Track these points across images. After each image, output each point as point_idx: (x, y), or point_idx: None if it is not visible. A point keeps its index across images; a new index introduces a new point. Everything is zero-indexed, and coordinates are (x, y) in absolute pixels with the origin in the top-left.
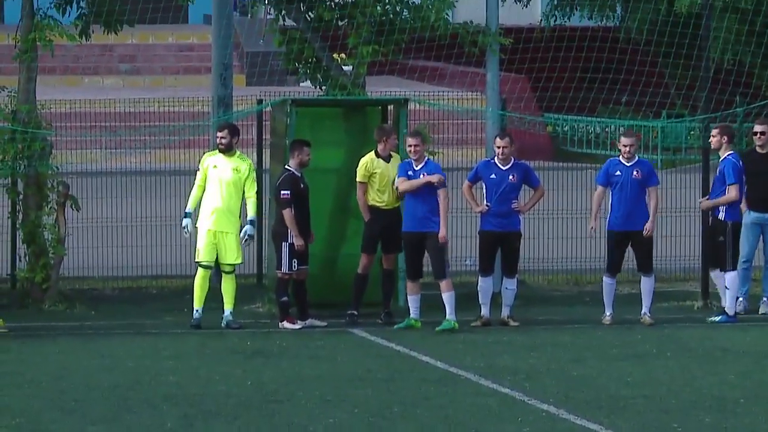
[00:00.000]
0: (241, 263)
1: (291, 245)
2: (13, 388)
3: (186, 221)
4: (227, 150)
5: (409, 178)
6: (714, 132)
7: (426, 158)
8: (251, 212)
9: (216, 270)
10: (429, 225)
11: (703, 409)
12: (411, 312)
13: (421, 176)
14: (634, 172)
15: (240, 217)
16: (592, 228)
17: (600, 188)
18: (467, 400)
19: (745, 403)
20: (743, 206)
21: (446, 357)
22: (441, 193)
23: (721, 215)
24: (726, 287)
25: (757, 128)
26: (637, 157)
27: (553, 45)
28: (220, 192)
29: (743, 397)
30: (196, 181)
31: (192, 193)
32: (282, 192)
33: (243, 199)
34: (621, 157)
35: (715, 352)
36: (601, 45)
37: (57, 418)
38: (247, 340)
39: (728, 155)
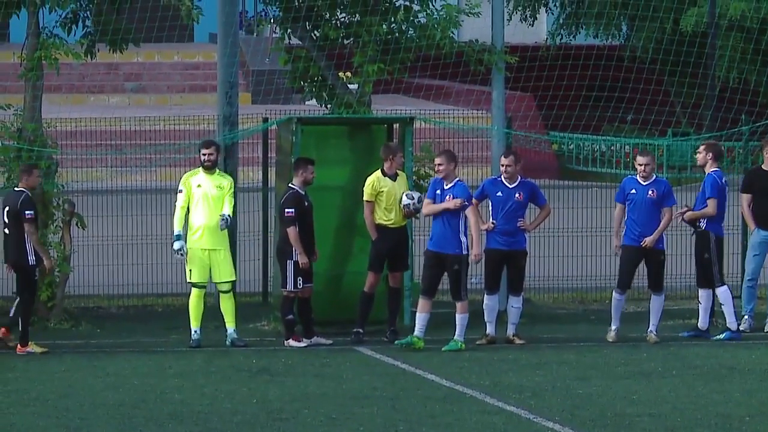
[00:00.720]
0: (235, 280)
1: (296, 263)
2: (19, 406)
3: (179, 243)
4: (213, 167)
5: (436, 197)
6: (700, 149)
7: (456, 179)
8: (228, 210)
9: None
10: (446, 247)
11: (708, 427)
12: (416, 329)
13: (447, 198)
14: (650, 192)
15: (226, 233)
16: (616, 247)
17: (619, 206)
18: (473, 418)
19: (750, 421)
20: (751, 225)
21: (452, 375)
22: (468, 213)
23: (703, 225)
24: (722, 304)
25: None
26: (654, 176)
27: (559, 63)
28: (208, 210)
29: (748, 414)
30: (178, 203)
31: (176, 215)
32: (286, 210)
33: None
34: (638, 175)
35: (721, 370)
36: (607, 63)
37: None
38: (252, 358)
39: (712, 171)
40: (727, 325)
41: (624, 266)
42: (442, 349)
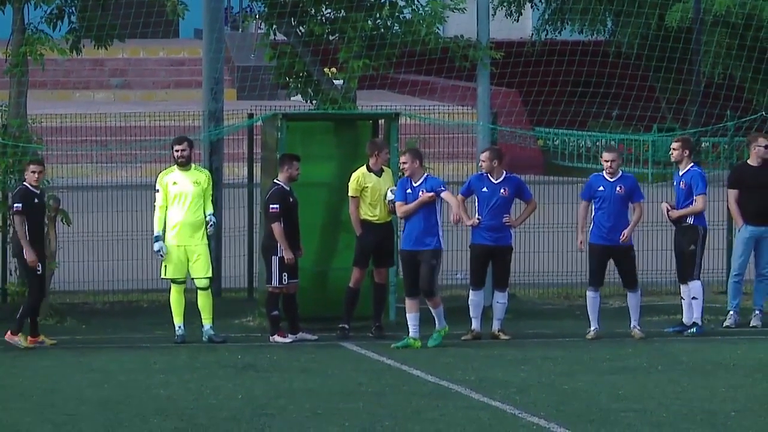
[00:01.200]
0: (212, 276)
1: (281, 259)
2: (4, 402)
3: (159, 245)
4: (187, 163)
5: (407, 195)
6: (675, 145)
7: (425, 174)
8: (209, 209)
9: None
10: (424, 244)
11: (694, 422)
12: (410, 331)
13: (420, 193)
14: (618, 188)
15: (204, 229)
16: (580, 242)
17: (584, 203)
18: (458, 414)
19: (736, 417)
20: (739, 221)
21: (437, 371)
22: (445, 197)
23: (690, 220)
24: (694, 297)
25: (763, 142)
26: (621, 172)
27: (544, 59)
28: (184, 207)
29: (734, 410)
30: (156, 203)
31: (155, 215)
32: (271, 206)
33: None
34: (604, 172)
35: (706, 366)
36: (592, 59)
37: (48, 431)
38: (237, 354)
39: (693, 167)
40: (694, 319)
41: (594, 265)
42: (429, 344)
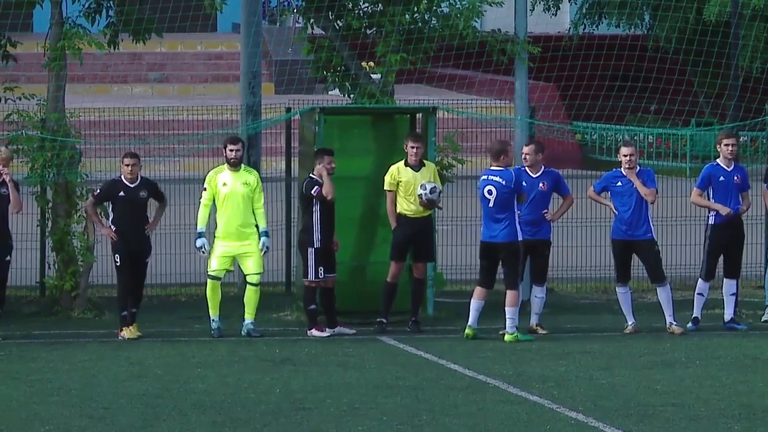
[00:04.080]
0: (263, 272)
1: (317, 252)
2: (42, 396)
3: (201, 241)
4: (238, 164)
5: (521, 186)
6: (734, 141)
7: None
8: (263, 224)
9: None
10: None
11: (731, 417)
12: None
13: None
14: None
15: (254, 230)
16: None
17: (591, 189)
18: (496, 408)
19: None
20: None
21: (474, 365)
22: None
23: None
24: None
25: None
26: (638, 166)
27: (582, 53)
28: (236, 209)
29: None
30: (202, 201)
31: (199, 212)
32: (313, 190)
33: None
34: (622, 168)
35: (744, 360)
36: (630, 53)
37: (86, 425)
38: (275, 348)
39: (739, 163)
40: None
41: (617, 260)
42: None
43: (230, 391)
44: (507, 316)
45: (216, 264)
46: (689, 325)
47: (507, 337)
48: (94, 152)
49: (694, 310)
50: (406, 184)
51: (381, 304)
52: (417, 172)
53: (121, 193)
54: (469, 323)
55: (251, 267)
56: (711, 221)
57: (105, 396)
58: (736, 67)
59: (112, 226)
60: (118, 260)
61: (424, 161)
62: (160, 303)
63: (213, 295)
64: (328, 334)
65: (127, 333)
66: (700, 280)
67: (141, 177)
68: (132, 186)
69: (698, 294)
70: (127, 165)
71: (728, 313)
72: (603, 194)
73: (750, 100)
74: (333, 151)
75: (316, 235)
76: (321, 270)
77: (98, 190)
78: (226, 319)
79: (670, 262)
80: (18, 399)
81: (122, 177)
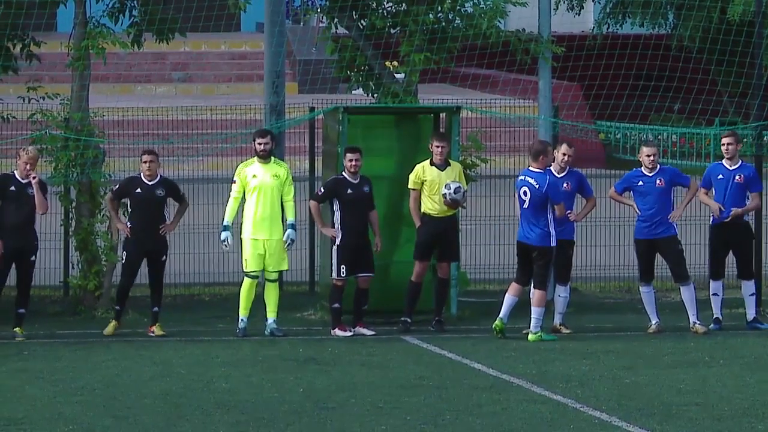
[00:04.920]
0: (287, 270)
1: (338, 249)
2: (66, 395)
3: (225, 234)
4: (268, 156)
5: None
6: (731, 140)
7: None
8: (290, 216)
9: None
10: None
11: (755, 416)
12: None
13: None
14: (657, 181)
15: (281, 223)
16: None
17: (612, 190)
18: (519, 408)
19: None
20: None
21: (498, 364)
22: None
23: (748, 217)
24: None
25: None
26: (659, 166)
27: (606, 52)
28: (264, 200)
29: None
30: (232, 193)
31: (228, 205)
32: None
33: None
34: (644, 167)
35: None
36: (654, 52)
37: (109, 425)
38: (299, 348)
39: (750, 164)
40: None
41: (640, 260)
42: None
43: (254, 391)
44: (532, 316)
45: (251, 263)
46: (711, 325)
47: (531, 337)
48: (117, 152)
49: (714, 311)
50: (431, 184)
51: (405, 304)
52: (442, 171)
53: (138, 190)
54: (500, 315)
55: (273, 264)
56: (711, 220)
57: (128, 395)
58: (760, 66)
59: (129, 223)
60: (123, 258)
61: (450, 161)
62: (184, 302)
63: (247, 294)
64: (351, 333)
65: (108, 329)
66: (711, 280)
67: (161, 176)
68: (149, 183)
69: (713, 294)
70: (145, 162)
71: (750, 313)
72: (625, 194)
73: None
74: (355, 148)
75: (338, 233)
76: (343, 268)
77: (117, 186)
78: (249, 318)
79: (694, 262)
80: (42, 399)
81: (141, 174)
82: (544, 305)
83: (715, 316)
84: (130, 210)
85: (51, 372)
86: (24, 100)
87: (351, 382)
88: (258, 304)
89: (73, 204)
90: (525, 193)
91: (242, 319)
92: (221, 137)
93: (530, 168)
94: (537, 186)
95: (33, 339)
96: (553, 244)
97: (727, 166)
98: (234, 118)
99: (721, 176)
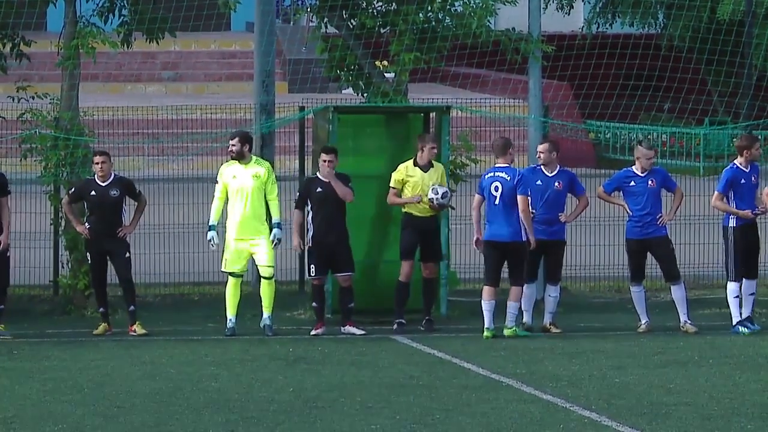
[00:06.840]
0: (273, 266)
1: (310, 248)
2: (56, 395)
3: (211, 234)
4: (240, 158)
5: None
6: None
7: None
8: (275, 215)
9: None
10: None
11: (745, 416)
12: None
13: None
14: (650, 182)
15: (266, 222)
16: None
17: (600, 189)
18: (509, 407)
19: None
20: None
21: (488, 364)
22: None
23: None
24: (737, 296)
25: None
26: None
27: (596, 52)
28: (245, 201)
29: None
30: (215, 194)
31: (213, 205)
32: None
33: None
34: (636, 168)
35: (758, 359)
36: (644, 52)
37: (99, 424)
38: (288, 347)
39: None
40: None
41: (631, 259)
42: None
43: (243, 390)
44: (508, 311)
45: (231, 261)
46: (750, 325)
47: (506, 332)
48: (108, 151)
49: (743, 312)
50: (414, 185)
51: (395, 304)
52: (425, 173)
53: (92, 192)
54: (486, 326)
55: (263, 260)
56: (732, 223)
57: (118, 395)
58: (749, 66)
59: (87, 225)
60: (89, 258)
61: (433, 162)
62: (174, 302)
63: (233, 294)
64: (322, 331)
65: (98, 330)
66: (731, 283)
67: (114, 175)
68: (103, 185)
69: (734, 297)
70: (97, 163)
71: (744, 312)
72: (614, 194)
73: (764, 99)
74: (330, 149)
75: (308, 234)
76: (312, 268)
77: (72, 189)
78: (238, 317)
79: (684, 261)
80: (31, 397)
81: (95, 176)
82: (519, 300)
83: (746, 316)
84: (87, 212)
85: (41, 371)
86: (13, 100)
87: (341, 382)
88: (247, 302)
89: None
90: (496, 188)
91: (230, 319)
92: (211, 137)
93: (497, 164)
94: (508, 179)
95: (22, 338)
96: (525, 239)
97: (744, 169)
98: (224, 118)
99: (743, 180)
